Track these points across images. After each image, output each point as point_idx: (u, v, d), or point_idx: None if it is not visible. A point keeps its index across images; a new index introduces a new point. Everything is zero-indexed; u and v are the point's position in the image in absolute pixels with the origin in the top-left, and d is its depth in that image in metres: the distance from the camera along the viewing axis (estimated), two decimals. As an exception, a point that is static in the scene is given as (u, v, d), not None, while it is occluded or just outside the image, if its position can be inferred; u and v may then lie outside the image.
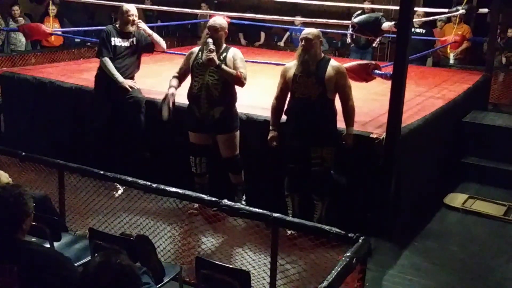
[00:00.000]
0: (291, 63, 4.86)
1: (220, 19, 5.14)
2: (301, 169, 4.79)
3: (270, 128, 4.92)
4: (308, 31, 4.76)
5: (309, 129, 4.70)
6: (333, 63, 4.75)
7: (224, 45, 5.06)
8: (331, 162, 4.75)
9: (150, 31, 5.76)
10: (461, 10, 8.11)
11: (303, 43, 4.71)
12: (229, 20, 8.63)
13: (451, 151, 6.71)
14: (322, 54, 4.85)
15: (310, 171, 4.75)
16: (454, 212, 5.66)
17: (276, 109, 4.92)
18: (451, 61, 9.71)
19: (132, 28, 5.62)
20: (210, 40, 4.89)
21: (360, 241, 3.17)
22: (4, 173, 3.77)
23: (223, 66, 4.89)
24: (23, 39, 9.45)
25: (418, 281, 4.35)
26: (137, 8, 5.82)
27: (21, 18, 9.66)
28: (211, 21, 5.07)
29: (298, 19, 9.77)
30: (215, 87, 4.94)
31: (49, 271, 2.49)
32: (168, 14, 11.06)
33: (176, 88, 5.12)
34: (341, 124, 4.80)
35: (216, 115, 4.97)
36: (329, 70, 4.68)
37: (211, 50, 4.83)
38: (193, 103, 5.06)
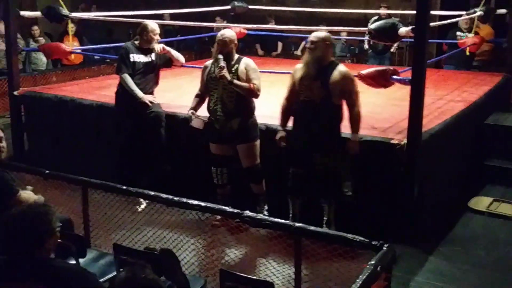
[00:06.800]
0: (300, 65, 4.84)
1: (228, 32, 5.06)
2: (304, 173, 4.78)
3: (279, 128, 4.92)
4: (315, 34, 4.73)
5: (312, 132, 4.68)
6: (341, 68, 4.70)
7: (236, 56, 5.04)
8: (339, 167, 4.71)
9: (168, 48, 5.80)
10: (479, 12, 8.04)
11: (308, 45, 4.70)
12: (245, 31, 8.71)
13: (474, 154, 6.64)
14: (332, 58, 4.83)
15: (313, 174, 4.73)
16: (479, 216, 5.59)
17: (285, 109, 4.91)
18: (474, 63, 9.56)
19: (153, 45, 5.66)
20: (220, 57, 4.89)
21: (385, 248, 3.15)
22: (33, 194, 3.79)
23: (235, 81, 4.89)
24: (44, 59, 9.61)
25: (444, 287, 4.30)
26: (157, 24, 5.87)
27: (41, 38, 9.82)
28: (219, 35, 4.99)
29: (321, 28, 9.72)
30: (229, 100, 4.95)
31: (75, 288, 2.51)
32: (187, 28, 11.15)
33: (195, 108, 5.17)
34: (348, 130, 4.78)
35: (235, 126, 4.99)
36: (335, 75, 4.63)
37: (222, 67, 4.83)
38: (211, 116, 5.09)
